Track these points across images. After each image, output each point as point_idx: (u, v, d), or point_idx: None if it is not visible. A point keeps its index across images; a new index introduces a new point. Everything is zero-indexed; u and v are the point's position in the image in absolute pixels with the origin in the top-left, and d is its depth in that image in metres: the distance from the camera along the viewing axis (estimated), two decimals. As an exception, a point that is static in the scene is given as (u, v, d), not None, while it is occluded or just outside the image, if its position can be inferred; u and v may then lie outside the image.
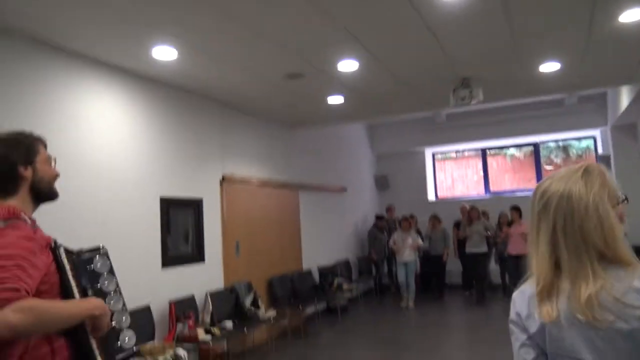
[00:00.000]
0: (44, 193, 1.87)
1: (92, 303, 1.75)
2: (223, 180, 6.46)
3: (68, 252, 1.84)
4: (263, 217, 7.30)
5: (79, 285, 1.81)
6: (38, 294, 1.64)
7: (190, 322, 5.26)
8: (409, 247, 8.94)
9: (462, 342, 7.08)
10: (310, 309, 7.97)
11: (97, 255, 1.95)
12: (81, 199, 4.37)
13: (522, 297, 1.32)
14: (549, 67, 5.93)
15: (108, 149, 4.87)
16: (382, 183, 11.92)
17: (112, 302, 1.88)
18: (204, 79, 5.61)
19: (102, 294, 1.88)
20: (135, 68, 5.09)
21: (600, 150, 10.37)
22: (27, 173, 1.81)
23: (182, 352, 4.68)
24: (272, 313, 6.47)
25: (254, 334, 6.37)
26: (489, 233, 9.02)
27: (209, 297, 5.81)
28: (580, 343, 1.19)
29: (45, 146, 1.94)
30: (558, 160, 11.22)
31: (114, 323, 1.87)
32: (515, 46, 5.16)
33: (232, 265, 6.50)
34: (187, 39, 4.42)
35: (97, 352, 1.75)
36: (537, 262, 1.28)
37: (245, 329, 5.88)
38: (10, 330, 1.47)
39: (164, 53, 4.68)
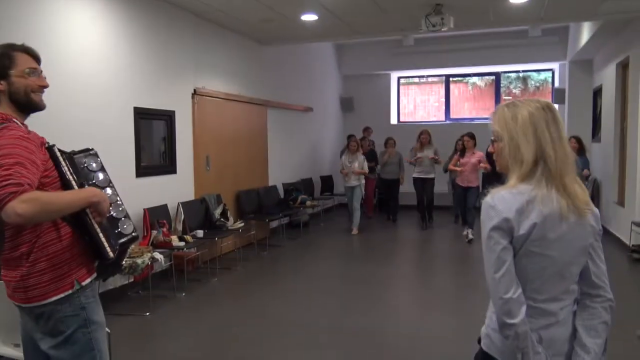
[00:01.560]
0: (22, 104, 1.96)
1: (91, 191, 1.95)
2: (195, 93, 6.50)
3: (62, 152, 2.02)
4: (232, 133, 7.43)
5: (76, 180, 1.99)
6: (41, 187, 1.83)
7: (164, 229, 5.51)
8: (355, 170, 8.63)
9: (409, 259, 7.70)
10: (274, 223, 8.36)
11: (89, 155, 2.13)
12: (58, 107, 4.39)
13: (508, 202, 1.48)
14: (519, -2, 6.09)
15: (83, 59, 4.82)
16: (347, 105, 12.10)
17: (107, 195, 2.05)
18: (178, -11, 5.50)
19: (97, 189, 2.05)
20: (108, -28, 4.93)
21: (557, 84, 10.81)
22: (1, 86, 1.91)
23: (158, 255, 4.96)
24: (239, 224, 6.80)
25: (222, 242, 6.71)
26: (437, 158, 8.87)
27: (180, 206, 6.05)
28: (555, 240, 1.48)
29: (34, 57, 2.00)
30: (516, 91, 11.63)
31: (112, 212, 2.06)
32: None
33: (203, 178, 6.70)
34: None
35: (101, 234, 1.96)
36: (525, 169, 1.51)
37: (216, 238, 6.21)
38: (20, 218, 1.66)
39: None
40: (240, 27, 7.25)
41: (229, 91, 7.29)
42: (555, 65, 10.83)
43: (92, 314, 2.03)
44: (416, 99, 12.35)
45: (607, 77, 8.45)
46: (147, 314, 4.78)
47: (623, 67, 7.60)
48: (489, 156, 8.93)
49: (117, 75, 5.27)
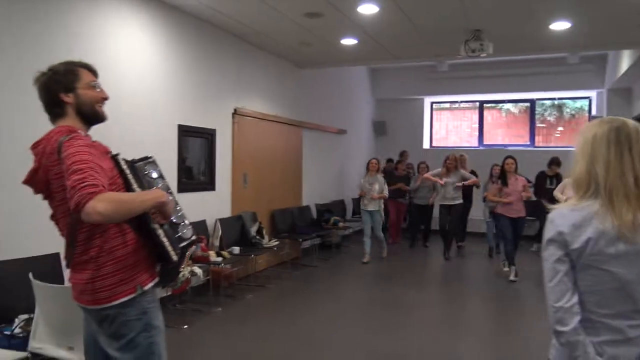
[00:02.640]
0: (88, 115, 2.10)
1: (157, 192, 2.04)
2: (235, 112, 6.66)
3: (125, 160, 2.12)
4: (269, 152, 7.56)
5: (140, 188, 2.09)
6: None
7: (203, 244, 5.60)
8: (374, 195, 8.10)
9: (439, 285, 7.60)
10: (307, 243, 8.40)
11: (148, 163, 2.23)
12: (106, 123, 4.56)
13: (565, 218, 1.55)
14: (560, 25, 6.11)
15: (130, 76, 5.02)
16: (380, 128, 12.17)
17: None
18: (225, 11, 5.70)
19: None
20: (161, -5, 5.16)
21: (594, 112, 10.68)
22: (69, 99, 2.05)
23: (198, 270, 5.04)
24: (275, 242, 6.86)
25: (257, 260, 6.78)
26: (463, 184, 8.44)
27: (218, 223, 6.15)
28: (614, 256, 1.49)
29: (93, 72, 2.16)
30: (551, 119, 11.53)
31: (172, 218, 2.14)
32: (530, 2, 5.33)
33: (240, 195, 6.81)
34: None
35: (164, 238, 2.05)
36: (580, 187, 1.57)
37: (252, 255, 6.28)
38: (100, 217, 1.75)
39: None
40: (279, 50, 7.43)
41: (266, 111, 7.45)
42: (592, 93, 10.73)
43: (153, 319, 2.09)
44: (448, 125, 12.35)
45: (648, 106, 8.33)
46: (185, 326, 4.84)
47: (665, 96, 7.50)
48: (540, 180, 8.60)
49: (163, 93, 5.46)
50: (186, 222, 2.24)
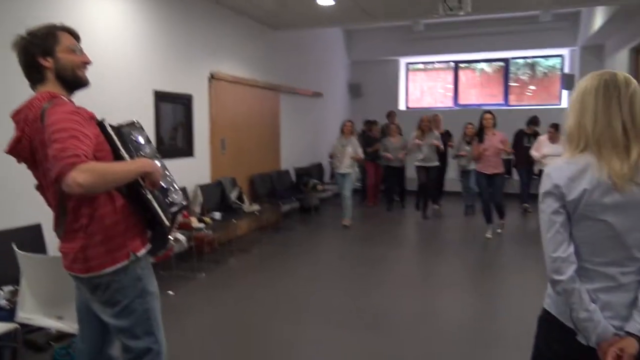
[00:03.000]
0: (68, 80, 2.01)
1: (144, 161, 2.00)
2: (212, 77, 6.53)
3: (111, 126, 2.07)
4: (247, 117, 7.47)
5: (127, 153, 2.04)
6: (96, 160, 1.87)
7: (185, 211, 5.57)
8: (348, 156, 7.93)
9: (419, 243, 7.75)
10: (287, 207, 8.43)
11: (135, 128, 2.18)
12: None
13: (561, 171, 1.59)
14: (537, -18, 6.10)
15: (106, 42, 4.87)
16: (355, 90, 12.11)
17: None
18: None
19: None
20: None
21: (566, 69, 10.81)
22: (48, 63, 1.96)
23: (181, 236, 5.03)
24: (255, 207, 6.86)
25: (238, 225, 6.78)
26: (438, 144, 8.31)
27: (199, 189, 6.10)
28: (610, 206, 1.54)
29: (74, 35, 2.06)
30: (524, 78, 11.64)
31: (161, 183, 2.10)
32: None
33: (218, 161, 6.75)
34: None
35: (156, 204, 2.03)
36: (572, 140, 1.60)
37: (233, 220, 6.28)
38: (81, 188, 1.70)
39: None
40: (254, 12, 7.25)
41: (243, 75, 7.32)
42: (565, 51, 10.84)
43: (147, 285, 2.10)
44: (423, 86, 12.36)
45: (619, 62, 8.46)
46: (170, 292, 4.85)
47: (636, 52, 7.62)
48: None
49: (138, 58, 5.31)
50: (175, 186, 2.21)
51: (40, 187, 2.04)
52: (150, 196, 2.02)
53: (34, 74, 1.97)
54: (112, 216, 1.97)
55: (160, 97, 5.62)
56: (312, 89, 9.76)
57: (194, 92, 6.21)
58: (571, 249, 1.58)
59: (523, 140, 8.66)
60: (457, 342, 3.83)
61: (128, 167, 1.95)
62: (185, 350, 3.69)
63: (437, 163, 8.46)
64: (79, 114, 1.89)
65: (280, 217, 8.08)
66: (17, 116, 1.94)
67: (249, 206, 6.80)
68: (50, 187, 1.95)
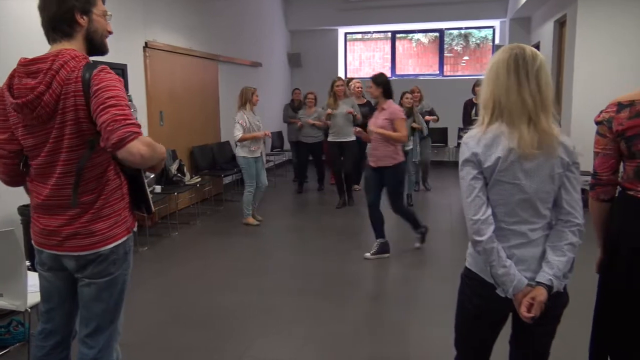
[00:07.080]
0: (96, 44, 1.96)
1: (164, 148, 1.98)
2: (146, 46, 6.32)
3: None
4: (185, 88, 7.31)
5: None
6: None
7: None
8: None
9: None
10: (228, 178, 8.40)
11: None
12: (5, 59, 4.20)
13: (478, 140, 1.71)
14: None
15: (31, 8, 4.59)
16: (295, 60, 12.06)
17: None
18: None
19: None
20: None
21: (497, 41, 11.24)
22: (83, 21, 1.89)
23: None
24: (196, 180, 6.81)
25: (179, 198, 6.71)
26: (354, 112, 7.03)
27: (137, 162, 5.97)
28: (521, 170, 1.70)
29: (103, 1, 2.01)
30: (458, 48, 12.00)
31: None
32: None
33: (157, 133, 6.60)
34: None
35: (146, 186, 2.11)
36: (485, 111, 1.74)
37: (175, 193, 6.21)
38: (142, 160, 1.71)
39: None
40: (189, -22, 7.03)
41: (180, 44, 7.13)
42: (496, 23, 11.24)
43: (131, 258, 2.11)
44: (362, 56, 12.48)
45: (545, 34, 8.90)
46: (112, 268, 4.79)
47: (560, 25, 8.03)
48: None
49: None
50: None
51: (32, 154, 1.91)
52: (144, 180, 2.09)
53: (64, 27, 1.88)
54: (117, 191, 1.98)
55: (93, 68, 5.40)
56: (251, 58, 9.64)
57: (128, 61, 5.99)
58: (489, 211, 1.73)
59: (474, 110, 8.45)
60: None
61: (162, 149, 1.92)
62: (132, 325, 3.69)
63: (353, 137, 6.85)
64: (121, 81, 1.85)
65: (222, 188, 8.05)
66: (34, 65, 1.84)
67: (189, 179, 6.74)
68: (55, 154, 1.86)
